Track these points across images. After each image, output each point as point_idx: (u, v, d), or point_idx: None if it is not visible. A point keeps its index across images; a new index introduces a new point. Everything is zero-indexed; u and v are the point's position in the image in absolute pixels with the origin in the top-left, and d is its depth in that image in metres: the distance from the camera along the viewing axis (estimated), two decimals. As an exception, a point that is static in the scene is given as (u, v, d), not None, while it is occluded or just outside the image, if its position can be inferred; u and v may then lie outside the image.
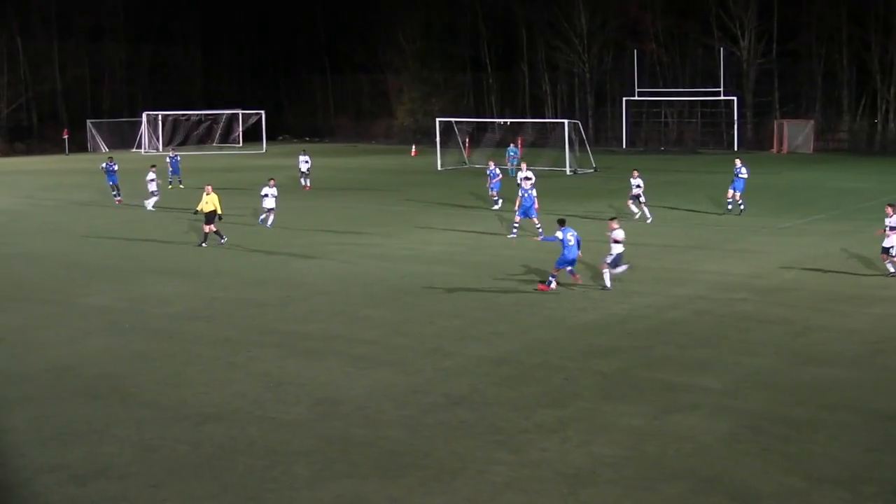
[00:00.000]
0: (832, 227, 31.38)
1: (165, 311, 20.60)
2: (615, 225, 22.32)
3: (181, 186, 45.74)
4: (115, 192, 40.32)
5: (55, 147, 75.31)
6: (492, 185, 36.73)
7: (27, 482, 11.75)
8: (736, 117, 71.47)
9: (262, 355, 17.02)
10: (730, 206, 34.25)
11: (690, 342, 17.56)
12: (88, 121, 78.72)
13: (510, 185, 37.58)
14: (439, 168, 55.55)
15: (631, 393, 14.67)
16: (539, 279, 22.70)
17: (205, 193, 29.03)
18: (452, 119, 63.56)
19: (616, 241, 22.01)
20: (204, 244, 28.49)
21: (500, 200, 36.18)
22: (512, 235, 29.86)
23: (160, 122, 76.02)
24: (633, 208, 32.70)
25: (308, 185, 45.18)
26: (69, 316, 20.20)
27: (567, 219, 23.71)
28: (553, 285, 21.79)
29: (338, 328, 18.90)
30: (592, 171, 53.68)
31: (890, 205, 23.07)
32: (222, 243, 28.53)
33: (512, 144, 54.35)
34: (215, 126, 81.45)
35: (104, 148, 77.81)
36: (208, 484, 11.61)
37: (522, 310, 20.19)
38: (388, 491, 11.32)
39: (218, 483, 11.63)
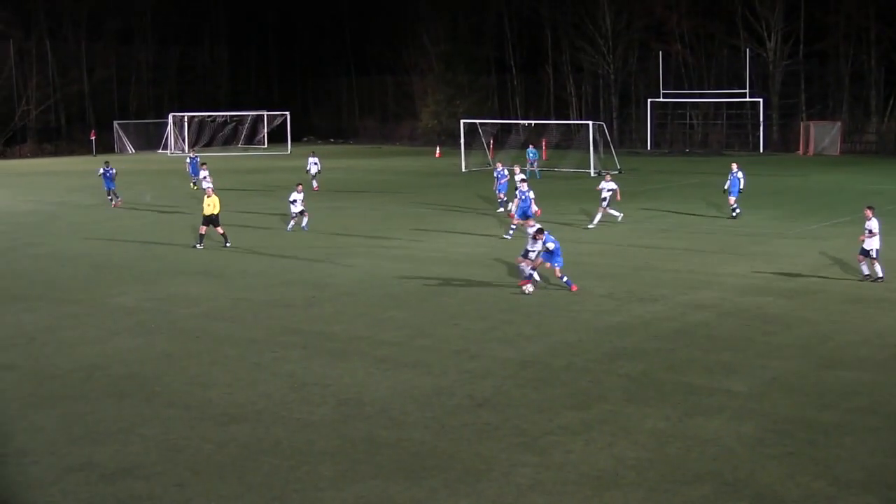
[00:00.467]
0: (859, 230, 31.09)
1: (192, 311, 20.75)
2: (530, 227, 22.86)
3: (193, 188, 46.06)
4: (110, 198, 39.93)
5: (83, 148, 76.00)
6: (499, 187, 36.66)
7: (57, 480, 11.88)
8: (762, 119, 71.06)
9: (287, 356, 17.12)
10: (736, 212, 33.95)
11: (715, 345, 17.50)
12: (115, 122, 79.37)
13: (532, 185, 37.52)
14: (463, 170, 55.59)
15: (655, 395, 14.64)
16: (565, 282, 22.69)
17: (206, 196, 29.09)
18: (477, 121, 63.61)
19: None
20: (199, 245, 28.55)
21: (510, 203, 36.02)
22: (507, 236, 29.87)
23: (186, 124, 76.55)
24: (612, 212, 32.24)
25: (316, 186, 45.16)
26: (97, 316, 20.39)
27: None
28: (563, 277, 22.14)
29: (362, 329, 18.97)
30: (617, 172, 53.54)
31: (869, 207, 22.91)
32: (227, 246, 28.56)
33: (531, 146, 54.29)
34: (240, 127, 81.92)
35: (131, 149, 78.45)
36: (233, 484, 11.70)
37: (547, 312, 20.18)
38: (413, 492, 11.35)
39: (243, 483, 11.71)
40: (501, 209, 36.01)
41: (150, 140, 78.65)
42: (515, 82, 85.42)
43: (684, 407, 14.08)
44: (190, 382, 15.72)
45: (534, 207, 30.24)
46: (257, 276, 24.43)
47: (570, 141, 66.68)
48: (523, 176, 33.92)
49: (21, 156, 73.54)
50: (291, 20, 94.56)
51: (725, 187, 34.54)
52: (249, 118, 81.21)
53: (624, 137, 76.88)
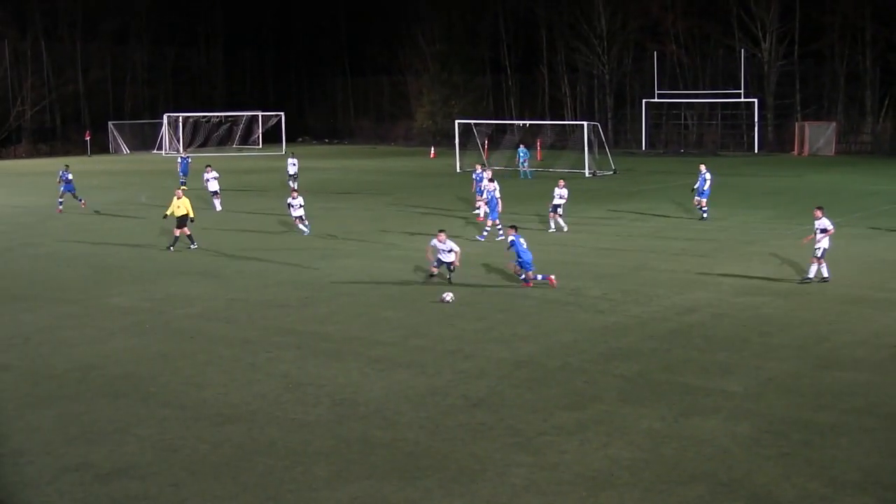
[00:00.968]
0: (854, 231, 31.19)
1: (187, 311, 20.73)
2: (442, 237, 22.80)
3: (185, 188, 45.92)
4: (60, 201, 38.59)
5: (78, 148, 75.91)
6: (478, 189, 36.06)
7: (53, 480, 11.86)
8: (757, 119, 71.14)
9: (282, 356, 17.10)
10: (705, 215, 33.91)
11: (711, 345, 17.51)
12: (110, 122, 79.29)
13: (522, 185, 37.59)
14: (458, 170, 55.59)
15: (651, 396, 14.64)
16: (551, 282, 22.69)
17: (175, 198, 28.85)
18: (472, 121, 63.62)
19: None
20: (172, 248, 28.42)
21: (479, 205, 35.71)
22: (480, 238, 29.78)
23: (181, 124, 76.47)
24: (552, 222, 31.47)
25: (295, 187, 44.96)
26: (93, 316, 20.36)
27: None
28: (537, 277, 22.36)
29: (357, 329, 18.95)
30: (612, 173, 53.59)
31: (819, 208, 22.91)
32: (192, 248, 28.46)
33: (522, 146, 54.26)
34: (235, 128, 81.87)
35: (125, 150, 78.37)
36: (228, 484, 11.68)
37: (542, 312, 20.18)
38: (407, 492, 11.35)
39: (238, 483, 11.70)
40: (477, 210, 35.66)
41: (145, 140, 78.59)
42: (511, 82, 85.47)
43: (680, 407, 14.08)
44: (185, 383, 15.70)
45: (499, 208, 30.25)
46: (253, 277, 24.41)
47: (565, 141, 66.73)
48: (489, 175, 33.97)
49: (16, 156, 73.44)
50: (287, 21, 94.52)
51: (694, 187, 34.52)
52: (244, 119, 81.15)
53: (619, 138, 76.97)
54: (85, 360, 16.95)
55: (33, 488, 11.66)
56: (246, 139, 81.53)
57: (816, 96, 71.69)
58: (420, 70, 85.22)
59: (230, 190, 43.98)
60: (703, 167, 34.51)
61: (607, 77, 78.66)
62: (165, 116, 76.18)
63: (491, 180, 31.90)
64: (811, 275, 22.63)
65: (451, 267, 22.73)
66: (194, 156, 65.30)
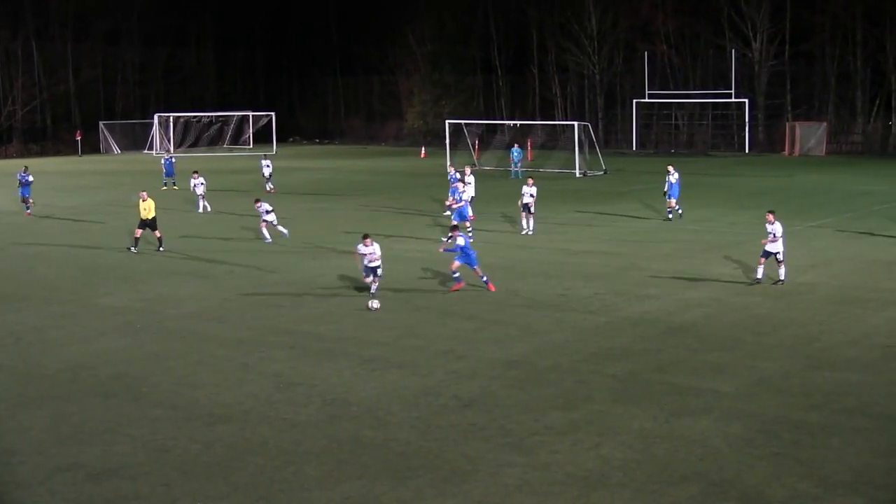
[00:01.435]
0: (845, 230, 31.30)
1: (179, 311, 20.69)
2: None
3: (175, 188, 45.89)
4: (26, 206, 37.90)
5: (68, 148, 75.72)
6: (451, 190, 34.75)
7: (44, 480, 11.83)
8: (747, 119, 71.30)
9: (274, 356, 17.09)
10: (670, 215, 33.99)
11: (702, 345, 17.55)
12: (101, 122, 79.09)
13: (513, 185, 37.57)
14: (449, 170, 55.55)
15: (642, 396, 14.67)
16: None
17: (140, 200, 28.58)
18: (462, 121, 63.62)
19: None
20: (133, 249, 28.18)
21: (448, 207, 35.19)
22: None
23: (171, 124, 76.32)
24: (524, 222, 31.08)
25: (272, 188, 44.82)
26: (84, 316, 20.32)
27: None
28: (461, 283, 22.12)
29: (350, 329, 18.95)
30: (602, 173, 53.65)
31: (770, 212, 22.95)
32: (160, 251, 28.24)
33: (516, 146, 54.24)
34: (226, 128, 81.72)
35: (116, 149, 78.17)
36: (220, 484, 11.67)
37: (534, 312, 20.20)
38: (399, 493, 11.35)
39: (229, 483, 11.69)
40: (447, 213, 35.19)
41: (136, 140, 78.40)
42: (501, 83, 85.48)
43: (671, 407, 14.11)
44: (177, 383, 15.68)
45: (469, 211, 30.24)
46: (244, 277, 24.38)
47: (555, 141, 66.77)
48: (458, 176, 33.83)
49: (7, 156, 73.19)
50: (279, 21, 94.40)
51: (665, 189, 34.54)
52: (235, 118, 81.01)
53: (609, 138, 77.03)
54: (76, 360, 16.92)
55: (25, 488, 11.64)
56: (237, 139, 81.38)
57: (807, 96, 71.87)
58: (411, 70, 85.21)
59: (220, 190, 43.92)
60: (671, 168, 34.65)
61: (598, 77, 78.73)
62: (156, 116, 76.00)
63: (462, 181, 31.74)
64: (760, 274, 22.69)
65: (378, 273, 21.29)
66: (184, 156, 65.19)
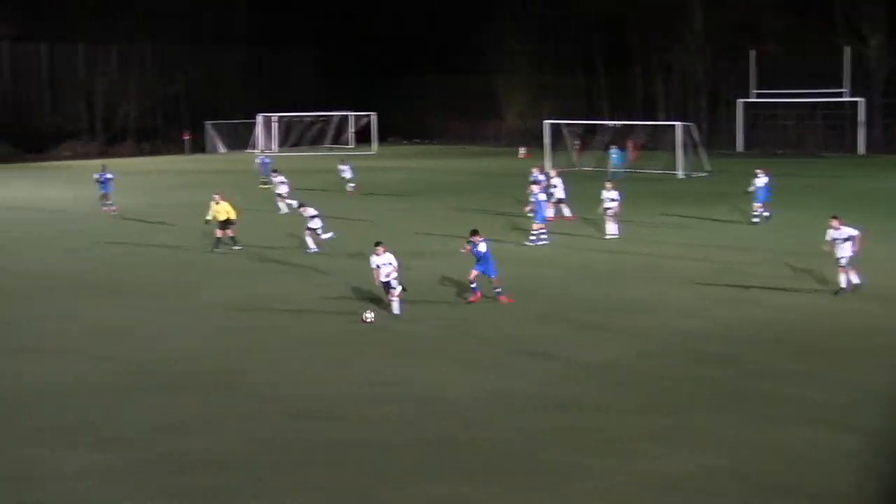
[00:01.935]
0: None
1: (279, 308, 21.11)
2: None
3: (263, 188, 46.58)
4: (106, 202, 37.64)
5: (178, 148, 78.08)
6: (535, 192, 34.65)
7: (145, 468, 12.25)
8: (863, 119, 68.84)
9: (373, 353, 17.33)
10: (756, 219, 32.93)
11: (802, 352, 17.13)
12: (207, 122, 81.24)
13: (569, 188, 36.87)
14: (549, 171, 55.27)
15: (737, 402, 14.41)
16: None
17: (213, 203, 28.65)
18: (562, 121, 63.24)
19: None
20: (218, 249, 28.26)
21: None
22: (529, 243, 29.17)
23: (274, 124, 77.96)
24: (607, 226, 30.37)
25: (355, 188, 44.68)
26: (188, 311, 20.93)
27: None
28: (478, 294, 21.04)
29: (444, 330, 19.07)
30: (706, 174, 52.67)
31: (834, 217, 21.86)
32: (235, 249, 28.29)
33: (615, 147, 53.63)
34: (327, 127, 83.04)
35: (222, 149, 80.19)
36: (315, 477, 11.91)
37: (632, 314, 20.02)
38: (489, 493, 11.41)
39: (325, 477, 11.92)
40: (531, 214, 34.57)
41: (241, 140, 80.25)
42: (602, 82, 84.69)
43: (767, 415, 13.83)
44: (276, 377, 16.04)
45: (549, 211, 29.88)
46: (343, 273, 24.66)
47: (657, 142, 65.76)
48: (542, 178, 33.41)
49: (121, 155, 75.85)
50: (377, 21, 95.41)
51: (750, 190, 33.58)
52: (336, 118, 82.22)
53: (714, 138, 75.38)
54: (179, 353, 17.49)
55: (126, 476, 12.06)
56: (338, 139, 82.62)
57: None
58: (510, 70, 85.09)
59: (321, 190, 44.48)
60: (760, 171, 33.76)
61: (702, 76, 77.28)
62: (259, 116, 77.74)
63: (535, 183, 31.44)
64: (843, 284, 21.75)
65: (392, 284, 20.00)
66: (285, 155, 66.43)
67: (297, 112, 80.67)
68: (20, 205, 42.38)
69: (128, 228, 34.47)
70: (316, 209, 28.56)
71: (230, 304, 21.58)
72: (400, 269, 20.23)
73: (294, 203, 37.34)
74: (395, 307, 19.96)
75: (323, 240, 28.07)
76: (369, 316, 19.45)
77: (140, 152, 76.91)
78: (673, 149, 54.79)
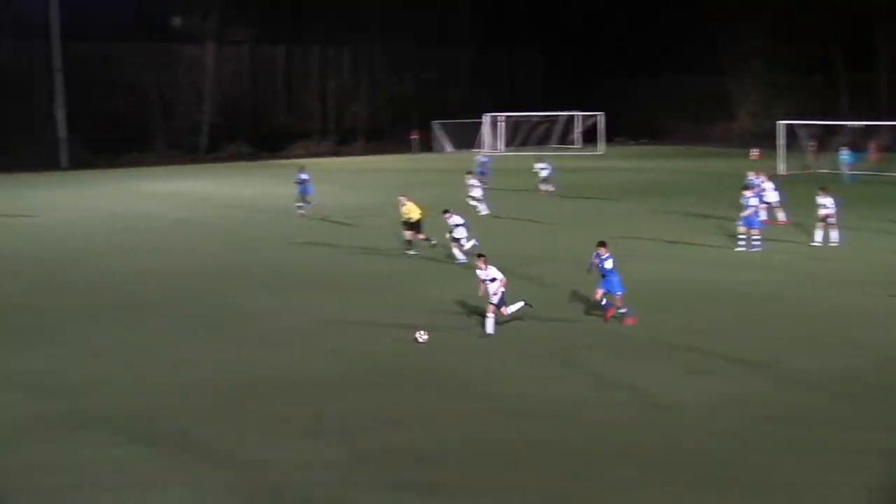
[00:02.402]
0: None
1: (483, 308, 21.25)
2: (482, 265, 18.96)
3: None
4: (300, 205, 36.92)
5: (405, 147, 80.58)
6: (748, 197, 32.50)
7: (363, 461, 12.62)
8: None
9: (592, 355, 17.24)
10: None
11: None
12: (434, 122, 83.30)
13: (843, 191, 35.13)
14: (779, 172, 53.02)
15: None
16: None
17: (401, 206, 28.33)
18: (796, 122, 60.46)
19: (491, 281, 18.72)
20: (410, 251, 27.94)
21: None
22: (739, 247, 27.83)
23: (500, 124, 79.02)
24: (818, 234, 28.40)
25: (551, 189, 43.34)
26: (406, 308, 21.32)
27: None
28: (621, 310, 19.41)
29: (668, 334, 18.63)
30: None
31: None
32: (432, 244, 27.86)
33: (846, 148, 50.64)
34: (553, 128, 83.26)
35: (448, 148, 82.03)
36: (524, 477, 11.94)
37: (866, 323, 18.97)
38: (709, 502, 11.11)
39: (533, 477, 11.94)
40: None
41: (467, 139, 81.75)
42: (842, 80, 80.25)
43: None
44: (489, 377, 16.16)
45: (762, 216, 28.49)
46: (561, 275, 24.45)
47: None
48: (746, 182, 31.73)
49: (351, 154, 79.15)
50: (603, 20, 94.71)
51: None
52: (562, 118, 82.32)
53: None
54: (395, 348, 17.91)
55: (350, 466, 12.49)
56: (564, 139, 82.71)
57: None
58: (741, 69, 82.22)
59: (511, 189, 44.52)
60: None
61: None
62: (485, 116, 79.03)
63: (745, 187, 29.97)
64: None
65: (495, 298, 18.62)
66: (514, 155, 67.11)
67: (522, 112, 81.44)
68: (255, 203, 44.77)
69: (335, 229, 34.96)
70: (462, 217, 27.28)
71: (445, 300, 21.72)
72: (506, 285, 18.85)
73: (485, 209, 36.50)
74: (489, 326, 18.47)
75: (466, 250, 26.48)
76: (423, 337, 18.02)
77: (369, 151, 79.95)
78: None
